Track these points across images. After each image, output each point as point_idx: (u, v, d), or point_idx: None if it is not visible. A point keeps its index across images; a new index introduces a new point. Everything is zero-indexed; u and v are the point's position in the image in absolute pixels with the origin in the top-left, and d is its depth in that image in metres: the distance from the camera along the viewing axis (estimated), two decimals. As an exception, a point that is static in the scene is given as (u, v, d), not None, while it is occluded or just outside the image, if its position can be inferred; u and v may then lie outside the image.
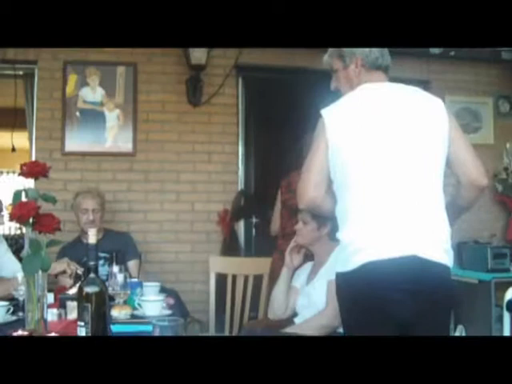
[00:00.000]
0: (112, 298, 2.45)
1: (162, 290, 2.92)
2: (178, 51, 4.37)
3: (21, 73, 4.44)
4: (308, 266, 3.01)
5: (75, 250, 3.48)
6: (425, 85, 4.56)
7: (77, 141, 4.32)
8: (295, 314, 2.93)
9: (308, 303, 2.82)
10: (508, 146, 5.12)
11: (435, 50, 4.89)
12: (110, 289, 2.46)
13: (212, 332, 3.67)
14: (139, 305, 2.50)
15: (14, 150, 4.81)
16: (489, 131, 5.17)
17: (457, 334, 4.18)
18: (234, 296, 3.68)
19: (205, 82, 4.48)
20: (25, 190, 1.84)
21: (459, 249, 4.48)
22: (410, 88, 2.15)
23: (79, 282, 1.80)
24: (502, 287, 2.67)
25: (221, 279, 3.77)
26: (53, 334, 1.65)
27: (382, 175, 1.99)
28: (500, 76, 5.22)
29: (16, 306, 2.42)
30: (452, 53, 4.93)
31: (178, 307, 2.79)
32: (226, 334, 3.61)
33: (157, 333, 1.40)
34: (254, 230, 4.71)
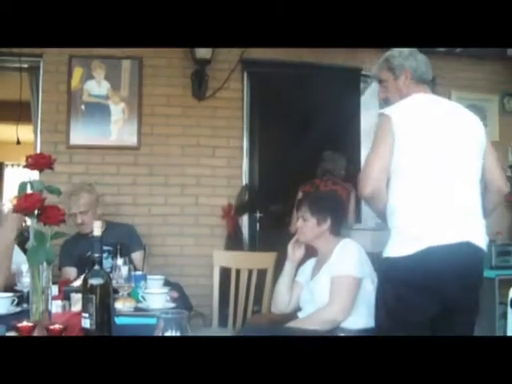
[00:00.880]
0: (116, 291, 2.45)
1: (166, 283, 2.92)
2: (184, 45, 4.37)
3: (26, 66, 4.45)
4: (312, 261, 3.02)
5: (77, 244, 3.48)
6: (431, 81, 4.54)
7: (82, 134, 4.33)
8: (299, 309, 2.93)
9: (311, 298, 2.83)
10: (513, 143, 5.12)
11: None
12: (113, 281, 2.47)
13: (215, 326, 3.68)
14: (143, 298, 2.50)
15: (18, 142, 4.82)
16: (494, 128, 5.16)
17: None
18: (238, 290, 3.69)
19: (210, 76, 4.48)
20: (30, 182, 1.84)
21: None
22: (455, 103, 2.55)
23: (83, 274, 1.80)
24: (506, 284, 2.69)
25: (225, 273, 3.77)
26: (56, 326, 1.65)
27: (439, 172, 2.27)
28: (506, 73, 5.21)
29: (20, 297, 2.43)
30: (458, 50, 4.91)
31: (182, 300, 2.79)
32: (230, 328, 3.61)
33: (161, 325, 1.40)
34: (258, 225, 4.71)
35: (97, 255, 1.69)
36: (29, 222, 1.91)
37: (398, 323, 2.24)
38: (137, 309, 2.42)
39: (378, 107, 4.92)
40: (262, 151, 4.74)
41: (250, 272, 3.70)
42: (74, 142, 4.32)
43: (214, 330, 3.58)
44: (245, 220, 4.65)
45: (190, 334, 1.41)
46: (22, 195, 1.79)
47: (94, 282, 1.64)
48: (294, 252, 2.98)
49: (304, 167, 4.50)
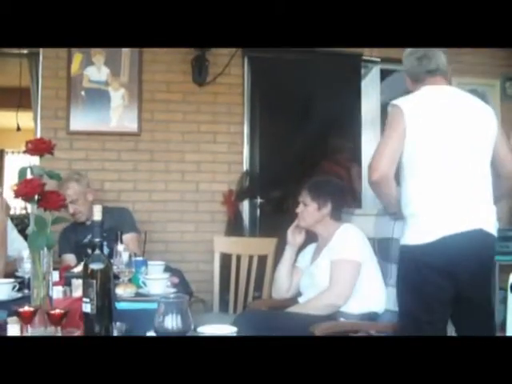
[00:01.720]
0: (117, 277, 2.46)
1: (167, 269, 2.93)
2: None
3: (25, 52, 4.42)
4: (312, 246, 3.02)
5: (76, 231, 3.49)
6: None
7: (82, 120, 4.32)
8: (299, 294, 2.94)
9: (312, 283, 2.84)
10: (515, 128, 5.09)
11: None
12: (114, 267, 2.47)
13: (216, 311, 3.70)
14: (144, 283, 2.51)
15: (18, 129, 4.82)
16: (495, 113, 5.12)
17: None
18: (239, 276, 3.70)
19: (210, 62, 4.45)
20: (30, 167, 1.83)
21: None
22: (466, 93, 2.64)
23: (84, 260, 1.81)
24: (506, 270, 2.70)
25: (225, 259, 3.78)
26: (57, 311, 1.65)
27: (452, 162, 2.42)
28: (507, 58, 5.17)
29: (21, 283, 2.44)
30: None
31: (183, 286, 2.80)
32: (230, 313, 3.63)
33: (161, 309, 1.41)
34: (258, 211, 4.71)
35: (97, 240, 1.69)
36: (29, 208, 1.91)
37: (422, 303, 2.42)
38: (137, 294, 2.43)
39: (378, 92, 4.96)
40: (262, 137, 4.73)
41: (251, 258, 3.70)
42: (74, 128, 4.30)
43: (215, 315, 3.59)
44: (245, 206, 4.64)
45: (191, 318, 1.42)
46: (22, 181, 1.79)
47: (95, 266, 1.64)
48: (294, 237, 2.99)
49: (304, 152, 4.49)
